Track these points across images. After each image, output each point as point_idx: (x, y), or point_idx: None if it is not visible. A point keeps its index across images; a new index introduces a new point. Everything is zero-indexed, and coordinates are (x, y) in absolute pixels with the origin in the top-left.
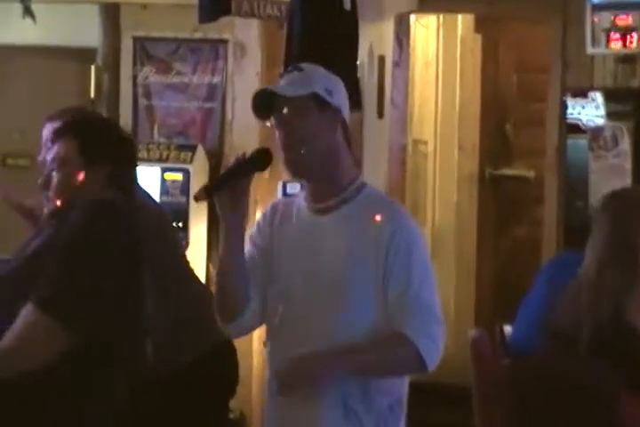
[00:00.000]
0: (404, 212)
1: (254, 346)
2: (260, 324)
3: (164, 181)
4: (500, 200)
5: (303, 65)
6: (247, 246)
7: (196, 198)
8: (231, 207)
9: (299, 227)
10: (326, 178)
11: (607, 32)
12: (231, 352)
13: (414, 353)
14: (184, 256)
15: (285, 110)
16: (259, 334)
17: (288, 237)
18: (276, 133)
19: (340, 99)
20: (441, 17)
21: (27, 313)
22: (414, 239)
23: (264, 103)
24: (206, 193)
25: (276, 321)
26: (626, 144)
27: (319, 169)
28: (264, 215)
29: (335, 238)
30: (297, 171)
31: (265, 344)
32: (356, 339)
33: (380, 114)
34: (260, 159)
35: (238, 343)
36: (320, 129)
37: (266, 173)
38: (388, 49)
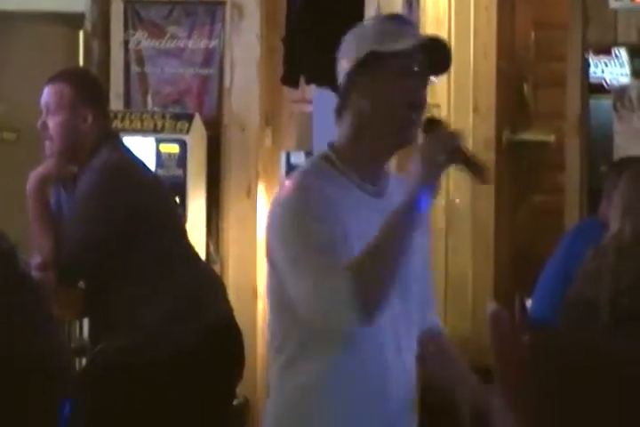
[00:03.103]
0: None
1: (259, 326)
2: None
3: (158, 153)
4: (518, 167)
5: None
6: (327, 227)
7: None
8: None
9: (360, 211)
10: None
11: None
12: (237, 334)
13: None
14: (184, 229)
15: (432, 78)
16: (262, 315)
17: (352, 223)
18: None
19: None
20: None
21: None
22: None
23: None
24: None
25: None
26: None
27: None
28: (317, 201)
29: None
30: (415, 134)
31: None
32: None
33: None
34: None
35: (241, 323)
36: None
37: (268, 142)
38: (397, 7)
